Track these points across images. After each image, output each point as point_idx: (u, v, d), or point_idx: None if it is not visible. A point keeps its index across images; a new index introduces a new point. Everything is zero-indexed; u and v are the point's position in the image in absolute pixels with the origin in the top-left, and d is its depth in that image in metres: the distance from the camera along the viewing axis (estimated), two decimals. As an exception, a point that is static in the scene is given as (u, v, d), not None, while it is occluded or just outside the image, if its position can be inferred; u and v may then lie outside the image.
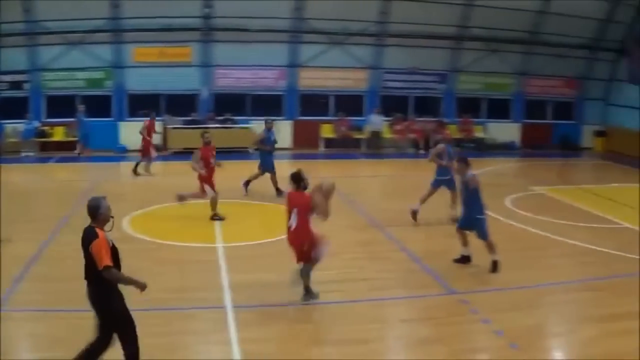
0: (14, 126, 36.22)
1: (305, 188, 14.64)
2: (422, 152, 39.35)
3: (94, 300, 10.01)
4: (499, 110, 44.46)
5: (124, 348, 10.12)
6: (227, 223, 21.28)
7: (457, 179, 18.52)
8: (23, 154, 35.42)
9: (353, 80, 41.14)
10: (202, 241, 19.01)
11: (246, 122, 38.40)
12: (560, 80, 44.51)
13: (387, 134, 41.00)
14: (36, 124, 36.34)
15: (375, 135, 39.81)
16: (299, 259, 14.51)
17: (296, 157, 36.83)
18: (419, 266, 17.25)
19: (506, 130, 43.56)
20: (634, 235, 21.53)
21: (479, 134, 42.83)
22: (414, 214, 21.96)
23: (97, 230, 9.89)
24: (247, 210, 23.58)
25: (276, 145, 26.67)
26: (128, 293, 10.14)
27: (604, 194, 28.02)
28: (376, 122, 39.32)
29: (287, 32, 38.62)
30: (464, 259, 17.47)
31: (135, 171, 30.50)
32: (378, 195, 28.24)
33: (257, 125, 36.78)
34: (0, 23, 33.71)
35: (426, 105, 43.20)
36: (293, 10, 37.86)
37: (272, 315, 13.84)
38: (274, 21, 37.42)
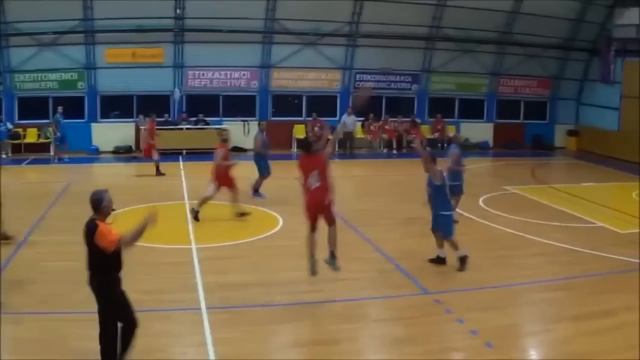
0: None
1: (317, 150, 15.13)
2: (394, 152, 39.42)
3: (99, 288, 10.38)
4: (471, 110, 44.65)
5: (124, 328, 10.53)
6: (201, 224, 21.21)
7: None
8: (-5, 156, 35.18)
9: (326, 81, 41.16)
10: (176, 242, 18.90)
11: (218, 122, 38.32)
12: (533, 80, 44.82)
13: (360, 135, 41.03)
14: (9, 126, 36.04)
15: (348, 135, 39.77)
16: (315, 221, 15.10)
17: (272, 157, 36.70)
18: (393, 266, 17.23)
19: (479, 130, 43.73)
20: (607, 234, 21.68)
21: (451, 133, 42.81)
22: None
23: (99, 222, 10.18)
24: (221, 212, 23.51)
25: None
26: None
27: (577, 193, 28.13)
28: (349, 122, 39.32)
29: (259, 32, 38.54)
30: (439, 260, 17.47)
31: (159, 172, 30.48)
32: (352, 196, 28.21)
33: (231, 126, 36.91)
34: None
35: (399, 106, 43.20)
36: (265, 11, 37.79)
37: (247, 316, 13.78)
38: (247, 22, 37.31)
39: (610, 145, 40.43)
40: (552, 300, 15.55)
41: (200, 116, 38.31)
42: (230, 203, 22.25)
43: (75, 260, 16.17)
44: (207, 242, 19.01)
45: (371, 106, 39.90)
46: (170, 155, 32.33)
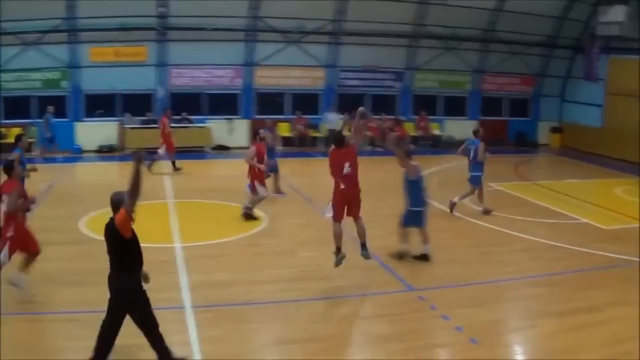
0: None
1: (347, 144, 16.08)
2: (379, 149, 39.42)
3: (117, 285, 10.46)
4: (455, 107, 44.74)
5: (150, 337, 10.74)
6: (185, 223, 21.13)
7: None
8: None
9: (310, 79, 41.11)
10: (159, 241, 18.75)
11: (202, 121, 38.27)
12: (517, 78, 44.93)
13: (343, 132, 40.89)
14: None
15: (332, 133, 39.74)
16: (343, 212, 15.96)
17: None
18: (377, 263, 17.19)
19: (463, 128, 43.67)
20: (591, 230, 21.77)
21: (435, 131, 43.01)
22: (487, 212, 23.34)
23: None
24: (205, 210, 23.48)
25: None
26: (88, 297, 10.02)
27: (560, 190, 28.20)
28: (333, 120, 39.28)
29: (242, 30, 38.43)
30: (422, 257, 17.50)
31: (175, 168, 30.54)
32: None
33: (214, 124, 36.90)
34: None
35: (383, 103, 43.16)
36: (249, 9, 37.70)
37: (232, 314, 13.75)
38: (230, 20, 37.21)
39: (594, 142, 40.59)
40: (536, 296, 15.58)
41: (184, 114, 38.17)
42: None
43: (59, 261, 16.19)
44: (190, 241, 18.91)
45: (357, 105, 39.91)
46: (154, 153, 32.25)
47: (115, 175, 30.30)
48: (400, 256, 17.41)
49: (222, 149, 38.14)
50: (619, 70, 39.58)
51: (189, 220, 21.52)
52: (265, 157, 22.46)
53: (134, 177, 9.94)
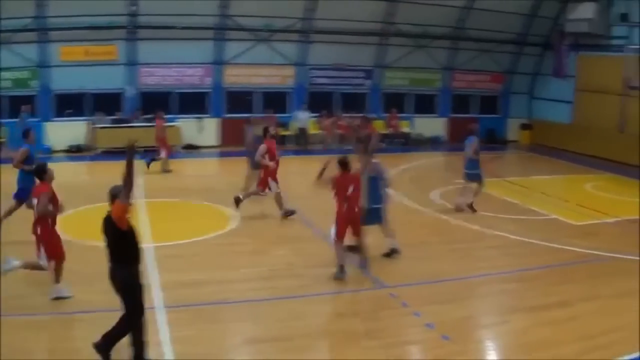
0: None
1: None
2: (349, 148, 39.51)
3: (118, 278, 10.91)
4: (425, 105, 44.78)
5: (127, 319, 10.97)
6: (156, 222, 21.00)
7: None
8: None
9: (279, 77, 41.05)
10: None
11: (172, 120, 38.11)
12: (486, 75, 45.09)
13: (313, 130, 40.98)
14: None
15: (302, 131, 39.76)
16: (345, 231, 16.19)
17: (223, 154, 36.68)
18: (348, 261, 17.20)
19: (433, 125, 43.91)
20: (561, 226, 21.92)
21: (405, 129, 43.12)
22: (470, 206, 23.47)
23: None
24: (175, 209, 23.43)
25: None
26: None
27: (530, 186, 28.36)
28: (303, 118, 39.27)
29: (212, 29, 38.28)
30: (392, 252, 17.54)
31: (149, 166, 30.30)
32: (307, 192, 28.11)
33: (184, 123, 36.81)
34: None
35: (353, 101, 43.21)
36: (218, 8, 37.59)
37: (203, 314, 13.70)
38: (199, 18, 37.08)
39: (564, 138, 40.88)
40: (508, 292, 15.71)
41: (154, 113, 37.87)
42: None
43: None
44: (162, 241, 18.75)
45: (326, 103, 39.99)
46: (123, 153, 32.08)
47: (84, 175, 30.20)
48: (353, 249, 17.35)
49: (191, 148, 38.04)
50: (588, 67, 39.87)
51: (159, 219, 21.40)
52: (277, 153, 22.47)
53: (127, 170, 10.29)
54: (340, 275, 15.87)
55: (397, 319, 13.79)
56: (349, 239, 16.56)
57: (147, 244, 18.39)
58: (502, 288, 15.98)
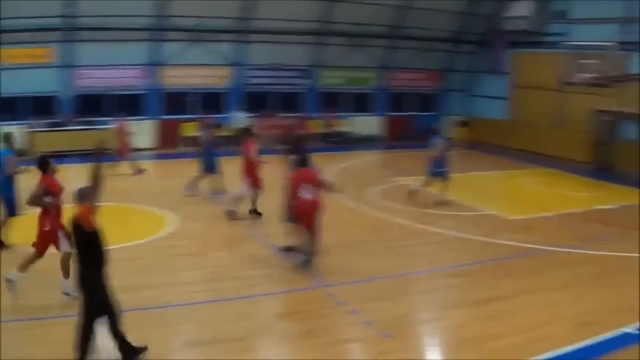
0: None
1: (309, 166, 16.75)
2: (285, 148, 39.46)
3: (84, 281, 10.99)
4: (362, 104, 44.91)
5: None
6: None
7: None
8: None
9: (216, 77, 40.86)
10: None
11: (107, 122, 37.69)
12: (423, 73, 45.35)
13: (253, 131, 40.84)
14: None
15: (240, 131, 39.63)
16: (308, 227, 16.32)
17: (161, 157, 36.33)
18: (285, 261, 17.18)
19: (370, 124, 44.04)
20: (497, 221, 22.11)
21: (343, 127, 43.14)
22: (445, 203, 24.35)
23: None
24: (113, 213, 23.16)
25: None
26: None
27: (467, 183, 28.52)
28: (240, 118, 39.19)
29: (148, 30, 37.95)
30: (290, 248, 17.51)
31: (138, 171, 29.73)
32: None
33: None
34: None
35: (289, 101, 43.13)
36: (155, 8, 37.31)
37: (145, 318, 13.49)
38: (135, 19, 36.76)
39: (500, 134, 41.32)
40: (446, 287, 15.79)
41: (89, 116, 37.49)
42: (250, 201, 22.24)
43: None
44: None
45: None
46: (59, 157, 31.78)
47: (22, 180, 29.69)
48: (290, 250, 17.35)
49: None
50: (523, 64, 40.35)
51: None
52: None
53: (95, 172, 10.46)
54: (304, 263, 16.51)
55: (336, 317, 13.77)
56: (291, 239, 16.60)
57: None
58: (441, 284, 16.04)
